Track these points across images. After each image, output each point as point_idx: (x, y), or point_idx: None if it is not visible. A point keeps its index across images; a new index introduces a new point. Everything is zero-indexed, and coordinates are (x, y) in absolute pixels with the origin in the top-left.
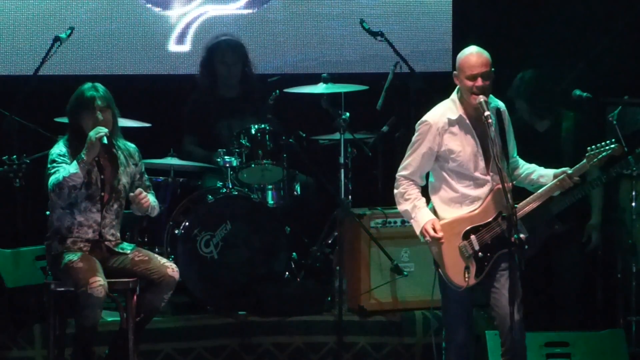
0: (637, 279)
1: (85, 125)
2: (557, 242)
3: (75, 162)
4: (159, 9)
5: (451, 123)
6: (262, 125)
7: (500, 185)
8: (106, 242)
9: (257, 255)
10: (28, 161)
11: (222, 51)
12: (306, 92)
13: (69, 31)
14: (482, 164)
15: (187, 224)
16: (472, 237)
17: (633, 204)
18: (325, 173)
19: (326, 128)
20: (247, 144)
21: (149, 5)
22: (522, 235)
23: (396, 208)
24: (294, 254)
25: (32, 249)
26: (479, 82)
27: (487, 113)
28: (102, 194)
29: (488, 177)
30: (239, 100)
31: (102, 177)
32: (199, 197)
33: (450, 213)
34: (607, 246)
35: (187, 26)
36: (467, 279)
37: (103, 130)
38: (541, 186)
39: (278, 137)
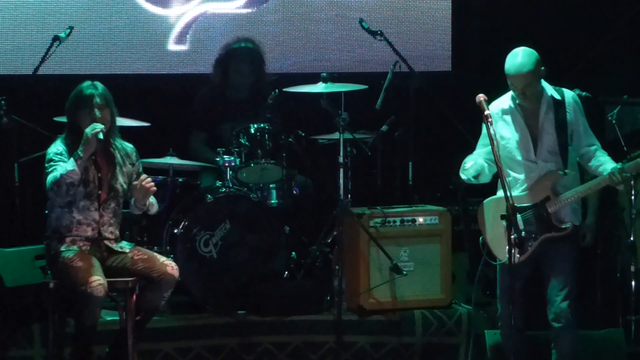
0: (637, 278)
1: (83, 123)
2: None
3: (72, 159)
4: (158, 8)
5: (504, 112)
6: (262, 125)
7: (551, 172)
8: (105, 241)
9: (256, 254)
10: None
11: (239, 59)
12: (305, 92)
13: (68, 30)
14: (531, 151)
15: (186, 223)
16: (518, 216)
17: (632, 203)
18: (324, 172)
19: (325, 127)
20: (247, 143)
21: (148, 5)
22: (568, 224)
23: (395, 207)
24: (293, 253)
25: (31, 248)
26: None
27: (486, 112)
28: (99, 192)
29: (536, 164)
30: (246, 103)
31: (99, 175)
32: (198, 197)
33: None
34: (607, 245)
35: (187, 25)
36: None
37: (99, 127)
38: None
39: (277, 137)
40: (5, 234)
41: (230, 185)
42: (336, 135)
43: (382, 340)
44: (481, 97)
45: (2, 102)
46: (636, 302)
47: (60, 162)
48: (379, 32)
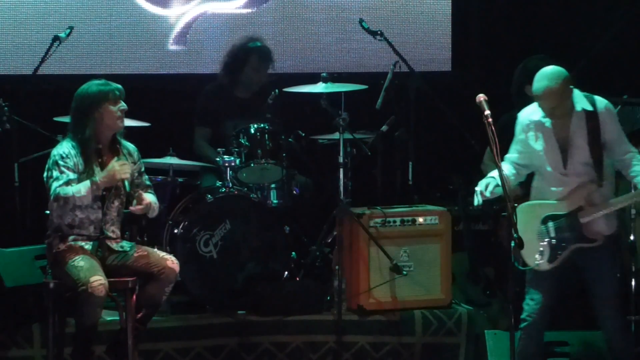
0: (637, 278)
1: (107, 115)
2: None
3: (87, 182)
4: (158, 8)
5: (535, 123)
6: (262, 125)
7: (586, 183)
8: (107, 240)
9: (256, 254)
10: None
11: (259, 58)
12: (305, 92)
13: (68, 30)
14: (560, 164)
15: (186, 223)
16: (550, 223)
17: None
18: (324, 172)
19: (325, 127)
20: (247, 143)
21: (148, 5)
22: (599, 237)
23: (395, 207)
24: (293, 253)
25: (31, 248)
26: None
27: (486, 112)
28: (104, 191)
29: (568, 177)
30: (250, 101)
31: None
32: (199, 197)
33: None
34: None
35: (187, 25)
36: (538, 262)
37: (128, 173)
38: None
39: (277, 137)
40: (5, 234)
41: (230, 185)
42: (336, 135)
43: (382, 340)
44: (481, 97)
45: (5, 107)
46: (636, 302)
47: (69, 173)
48: (379, 32)
